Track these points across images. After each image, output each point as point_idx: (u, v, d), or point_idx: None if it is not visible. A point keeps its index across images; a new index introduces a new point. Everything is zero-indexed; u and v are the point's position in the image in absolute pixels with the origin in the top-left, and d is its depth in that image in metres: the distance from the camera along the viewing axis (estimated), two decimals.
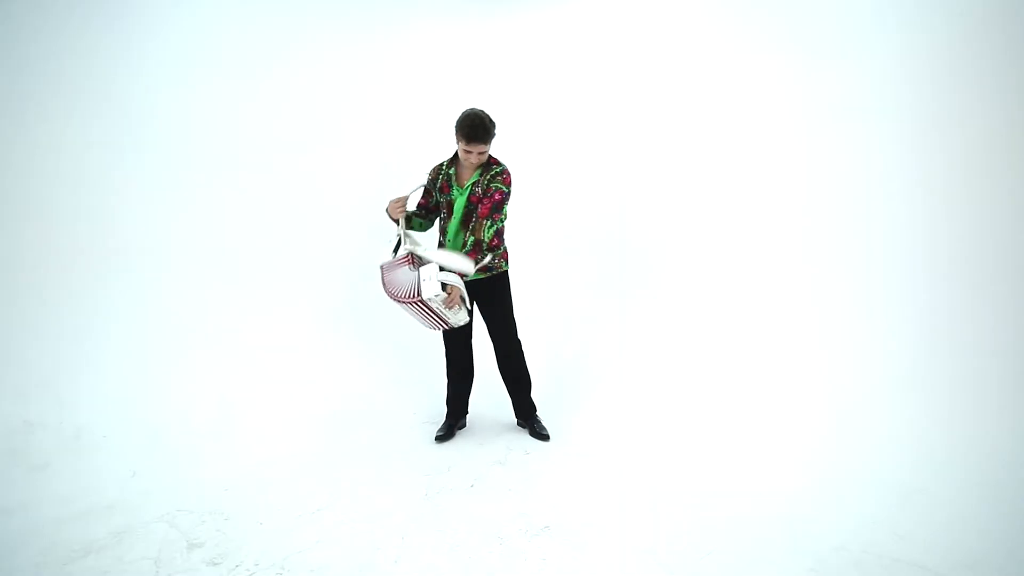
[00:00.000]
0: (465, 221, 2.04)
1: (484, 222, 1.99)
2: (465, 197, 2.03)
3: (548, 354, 2.78)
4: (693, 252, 2.63)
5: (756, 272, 2.45)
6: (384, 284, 1.89)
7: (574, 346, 2.86)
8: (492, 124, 1.96)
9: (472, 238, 1.99)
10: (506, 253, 2.14)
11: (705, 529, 1.41)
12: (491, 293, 2.12)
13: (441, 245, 2.11)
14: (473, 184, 2.02)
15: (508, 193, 2.02)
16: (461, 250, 1.98)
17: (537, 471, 1.79)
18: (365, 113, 3.06)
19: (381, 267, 1.92)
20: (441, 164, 2.09)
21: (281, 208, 2.75)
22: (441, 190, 2.07)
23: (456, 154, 2.03)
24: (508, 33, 3.27)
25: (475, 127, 1.91)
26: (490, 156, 2.02)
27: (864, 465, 1.75)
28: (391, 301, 1.87)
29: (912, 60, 2.12)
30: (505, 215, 2.06)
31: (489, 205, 1.99)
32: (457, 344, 2.17)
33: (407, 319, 1.97)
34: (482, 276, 2.06)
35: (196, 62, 2.55)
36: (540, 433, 2.09)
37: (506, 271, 2.15)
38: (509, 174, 2.03)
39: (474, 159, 1.96)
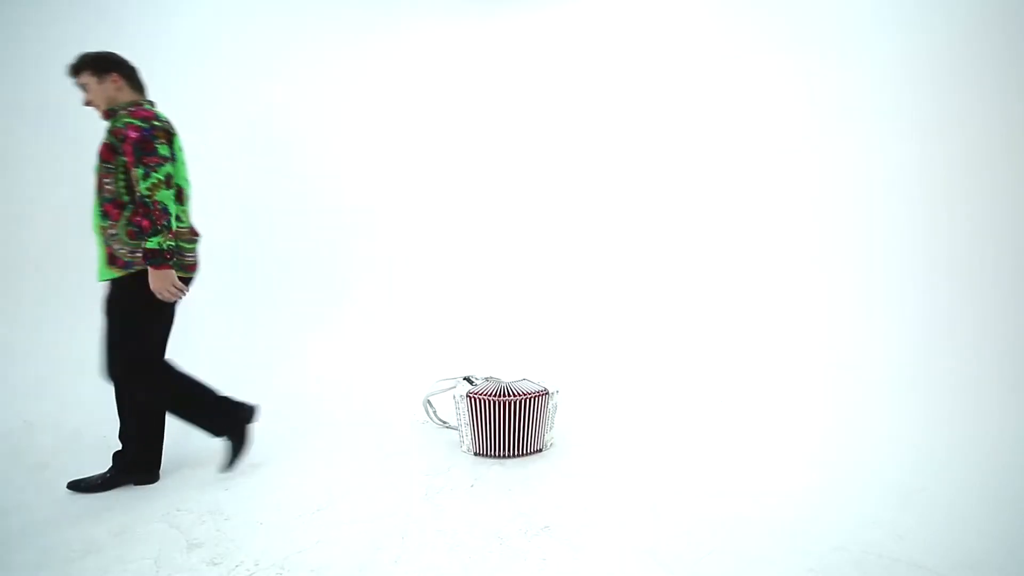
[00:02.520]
0: (98, 187, 1.62)
1: (135, 171, 1.56)
2: (97, 156, 1.63)
3: (547, 353, 2.77)
4: (694, 251, 2.63)
5: (756, 272, 2.45)
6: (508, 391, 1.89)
7: (574, 345, 2.86)
8: (98, 55, 1.63)
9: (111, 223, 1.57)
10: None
11: (705, 529, 1.41)
12: (112, 296, 1.65)
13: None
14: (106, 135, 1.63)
15: (149, 131, 1.57)
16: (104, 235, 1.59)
17: (537, 471, 1.79)
18: (365, 113, 3.06)
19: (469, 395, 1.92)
20: None
21: (281, 208, 2.75)
22: None
23: None
24: (508, 33, 3.27)
25: (73, 62, 1.62)
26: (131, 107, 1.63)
27: (864, 465, 1.75)
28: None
29: (914, 60, 2.12)
30: (165, 175, 1.56)
31: (129, 148, 1.55)
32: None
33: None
34: (116, 274, 1.60)
35: (196, 62, 2.55)
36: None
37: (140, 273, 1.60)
38: (140, 107, 1.62)
39: (84, 98, 1.66)
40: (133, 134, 1.56)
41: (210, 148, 2.57)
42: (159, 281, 1.57)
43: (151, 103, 1.73)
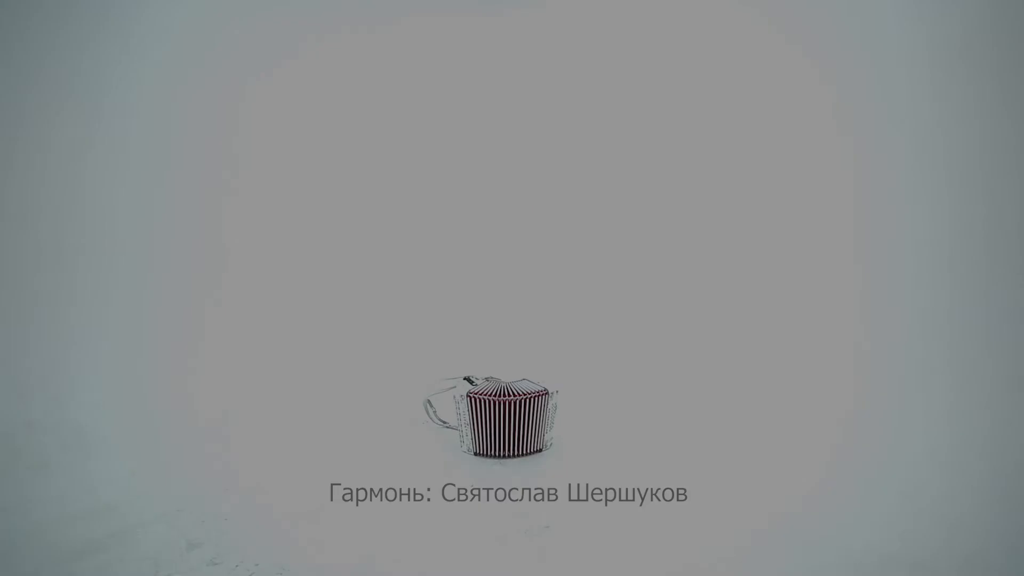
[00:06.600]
0: None
1: None
2: None
3: (547, 353, 2.77)
4: (692, 248, 2.63)
5: (758, 272, 2.45)
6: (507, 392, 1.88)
7: (574, 345, 2.86)
8: None
9: None
10: None
11: (705, 529, 1.41)
12: None
13: None
14: None
15: None
16: None
17: (537, 471, 1.79)
18: (363, 113, 3.06)
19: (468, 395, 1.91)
20: None
21: (281, 207, 2.75)
22: None
23: None
24: (505, 32, 3.26)
25: None
26: None
27: (865, 465, 1.75)
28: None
29: (916, 60, 2.12)
30: None
31: None
32: None
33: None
34: None
35: (196, 61, 2.54)
36: None
37: None
38: None
39: None
40: None
41: (209, 147, 2.57)
42: None
43: None
